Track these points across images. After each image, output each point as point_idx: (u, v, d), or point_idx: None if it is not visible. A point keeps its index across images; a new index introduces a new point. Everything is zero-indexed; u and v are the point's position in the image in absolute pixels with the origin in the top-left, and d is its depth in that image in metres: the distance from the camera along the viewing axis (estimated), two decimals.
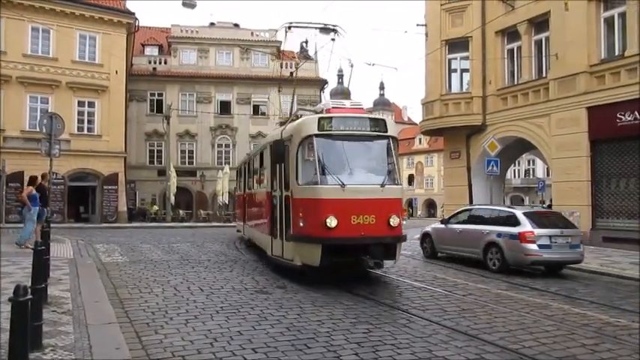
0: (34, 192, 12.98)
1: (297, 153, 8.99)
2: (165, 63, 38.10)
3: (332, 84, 75.11)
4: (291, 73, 39.17)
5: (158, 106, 36.64)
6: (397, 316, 6.63)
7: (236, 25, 40.80)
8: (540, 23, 18.24)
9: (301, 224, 8.70)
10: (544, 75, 17.91)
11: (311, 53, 41.68)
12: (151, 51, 39.45)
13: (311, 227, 8.56)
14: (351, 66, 16.77)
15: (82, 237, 17.59)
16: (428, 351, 5.28)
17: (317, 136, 8.83)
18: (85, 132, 28.29)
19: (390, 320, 6.51)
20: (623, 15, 15.36)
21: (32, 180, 13.44)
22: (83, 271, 9.71)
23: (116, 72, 29.00)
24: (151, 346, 5.34)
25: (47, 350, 4.73)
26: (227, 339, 5.64)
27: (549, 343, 5.67)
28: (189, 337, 5.70)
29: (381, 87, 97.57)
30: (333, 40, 12.44)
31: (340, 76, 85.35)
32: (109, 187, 28.61)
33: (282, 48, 40.35)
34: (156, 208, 33.47)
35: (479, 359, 5.03)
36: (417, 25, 22.90)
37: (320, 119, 8.90)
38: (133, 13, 29.85)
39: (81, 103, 28.21)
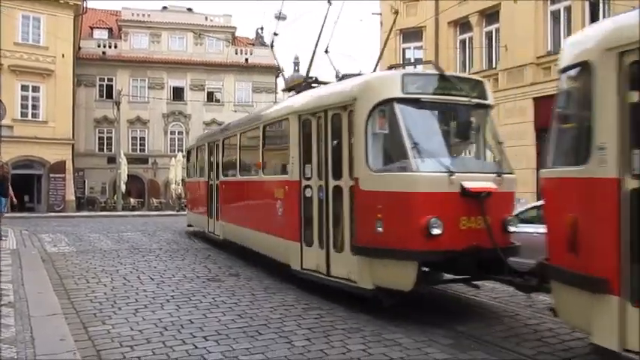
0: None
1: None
2: (116, 47, 36.84)
3: (288, 71, 74.64)
4: (246, 60, 38.79)
5: (108, 92, 35.45)
6: (347, 301, 6.70)
7: (189, 10, 39.85)
8: (491, 15, 18.67)
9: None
10: (494, 66, 18.37)
11: (267, 40, 41.35)
12: (100, 34, 38.02)
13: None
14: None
15: (27, 227, 16.93)
16: (378, 334, 5.38)
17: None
18: (30, 118, 27.13)
19: (341, 306, 6.56)
20: (568, 9, 15.90)
21: None
22: (27, 262, 9.38)
23: (62, 55, 27.87)
24: (97, 336, 5.21)
25: None
26: (177, 327, 5.57)
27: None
28: (139, 326, 5.60)
29: (337, 75, 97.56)
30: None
31: (296, 64, 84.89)
32: (56, 176, 27.58)
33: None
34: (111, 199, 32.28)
35: (427, 340, 5.17)
36: (372, 13, 23.03)
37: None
38: None
39: (24, 88, 26.98)
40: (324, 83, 8.89)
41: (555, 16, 16.49)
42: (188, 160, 16.54)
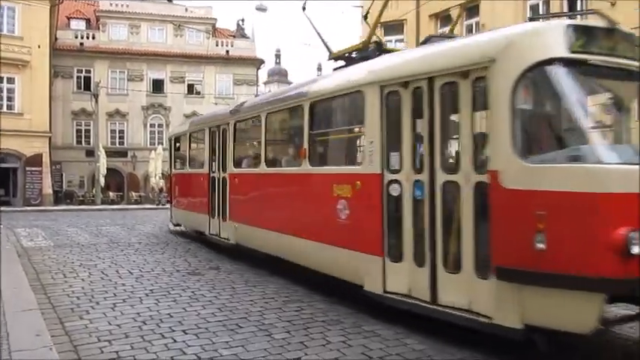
0: None
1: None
2: (94, 38, 36.19)
3: (269, 64, 74.23)
4: (227, 52, 38.47)
5: (86, 84, 34.84)
6: (328, 294, 6.73)
7: (169, 0, 39.35)
8: (471, 9, 18.79)
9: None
10: None
11: (247, 32, 41.06)
12: (78, 25, 37.30)
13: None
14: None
15: (2, 221, 16.59)
16: (357, 326, 5.41)
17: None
18: (5, 110, 26.57)
19: (321, 298, 6.59)
20: (547, 2, 16.10)
21: None
22: (1, 257, 9.19)
23: (38, 46, 27.33)
24: (75, 331, 5.14)
25: None
26: (156, 322, 5.53)
27: None
28: (117, 321, 5.54)
29: (319, 68, 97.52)
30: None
31: (278, 56, 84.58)
32: (33, 169, 27.13)
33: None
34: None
35: (405, 332, 5.21)
36: (354, 6, 23.02)
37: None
38: None
39: None
40: (389, 51, 7.04)
41: (534, 10, 16.68)
42: (177, 148, 14.14)
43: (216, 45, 38.47)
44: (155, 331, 5.22)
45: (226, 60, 38.27)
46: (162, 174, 30.37)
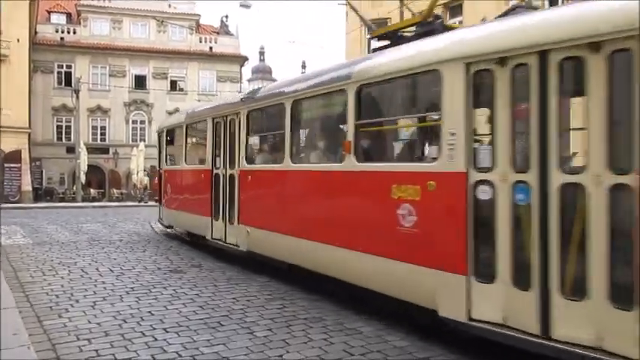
0: None
1: None
2: (75, 33, 35.70)
3: (253, 61, 73.94)
4: (211, 48, 38.25)
5: (67, 79, 34.38)
6: (310, 292, 6.75)
7: None
8: (454, 8, 18.95)
9: None
10: None
11: (231, 28, 40.85)
12: (58, 19, 36.81)
13: None
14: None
15: None
16: (339, 323, 5.42)
17: None
18: None
19: (304, 296, 6.60)
20: (528, 3, 16.29)
21: None
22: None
23: (18, 40, 26.91)
24: (53, 330, 5.08)
25: None
26: (137, 320, 5.48)
27: None
28: (97, 319, 5.48)
29: (303, 66, 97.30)
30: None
31: (262, 53, 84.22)
32: (11, 165, 26.72)
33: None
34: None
35: (387, 329, 5.24)
36: (339, 4, 23.05)
37: None
38: None
39: None
40: (450, 28, 6.03)
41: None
42: (169, 142, 12.49)
43: (200, 41, 38.24)
44: (135, 329, 5.18)
45: (210, 56, 38.06)
46: (144, 170, 30.10)
